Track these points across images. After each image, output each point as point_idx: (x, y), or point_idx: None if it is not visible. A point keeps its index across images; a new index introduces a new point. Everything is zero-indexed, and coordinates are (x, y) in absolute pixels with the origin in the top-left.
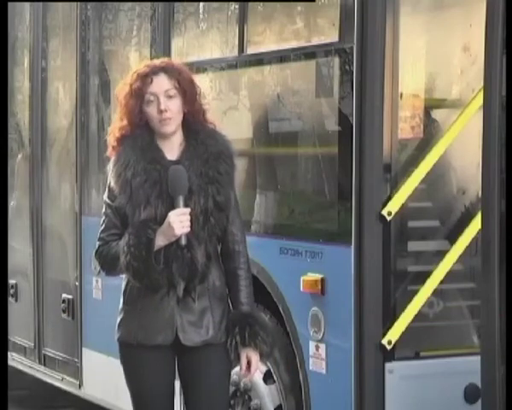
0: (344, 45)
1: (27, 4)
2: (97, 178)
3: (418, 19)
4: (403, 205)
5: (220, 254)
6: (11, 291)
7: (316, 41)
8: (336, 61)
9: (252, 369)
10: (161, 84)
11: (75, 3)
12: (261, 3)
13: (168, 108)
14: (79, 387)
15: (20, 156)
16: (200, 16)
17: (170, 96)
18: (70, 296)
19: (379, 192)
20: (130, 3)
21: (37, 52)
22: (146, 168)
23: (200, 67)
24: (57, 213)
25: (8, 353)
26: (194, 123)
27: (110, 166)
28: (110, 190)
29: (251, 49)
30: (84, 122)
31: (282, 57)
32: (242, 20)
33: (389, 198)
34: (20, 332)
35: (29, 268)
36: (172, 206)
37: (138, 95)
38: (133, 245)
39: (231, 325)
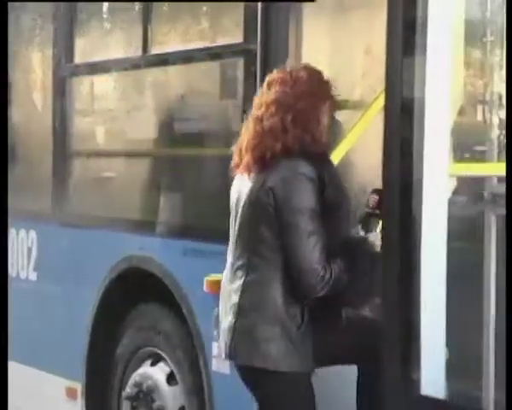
0: (248, 46)
1: None
2: None
3: (321, 21)
4: None
5: None
6: None
7: (221, 42)
8: (241, 62)
9: None
10: None
11: None
12: (166, 3)
13: None
14: None
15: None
16: (104, 16)
17: None
18: None
19: None
20: None
21: None
22: None
23: (103, 67)
24: None
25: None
26: None
27: None
28: None
29: (155, 49)
30: None
31: (186, 57)
32: (146, 20)
33: None
34: None
35: None
36: None
37: None
38: None
39: None
